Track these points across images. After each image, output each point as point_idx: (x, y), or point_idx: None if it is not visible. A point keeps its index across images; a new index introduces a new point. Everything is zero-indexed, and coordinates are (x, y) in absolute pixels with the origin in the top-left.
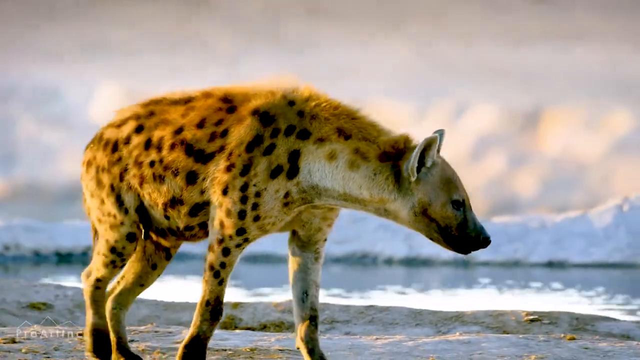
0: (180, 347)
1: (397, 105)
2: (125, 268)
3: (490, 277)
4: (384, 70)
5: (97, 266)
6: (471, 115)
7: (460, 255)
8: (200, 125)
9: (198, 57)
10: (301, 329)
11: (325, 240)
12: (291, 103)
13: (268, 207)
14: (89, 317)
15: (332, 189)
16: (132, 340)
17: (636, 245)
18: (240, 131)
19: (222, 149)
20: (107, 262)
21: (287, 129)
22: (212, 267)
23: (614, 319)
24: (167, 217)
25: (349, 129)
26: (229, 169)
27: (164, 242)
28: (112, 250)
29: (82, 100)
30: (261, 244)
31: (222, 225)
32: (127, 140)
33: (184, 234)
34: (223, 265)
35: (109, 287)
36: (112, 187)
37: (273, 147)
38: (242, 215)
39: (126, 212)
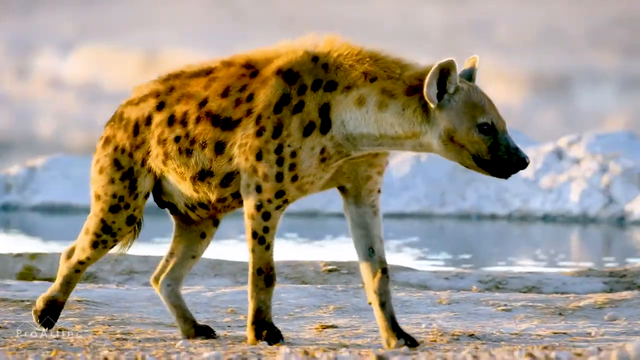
0: (249, 325)
1: (193, 55)
2: (172, 244)
3: (288, 228)
4: (178, 20)
5: (83, 246)
6: None
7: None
8: (225, 94)
9: None
10: (374, 282)
11: (379, 191)
12: (315, 58)
13: (305, 165)
14: (54, 288)
15: (368, 133)
16: None
17: (433, 196)
18: (267, 92)
19: (249, 113)
20: (96, 242)
21: (313, 83)
22: (255, 234)
23: (412, 269)
24: (196, 191)
25: (373, 71)
26: (259, 133)
27: (195, 217)
28: (107, 229)
29: None
30: (57, 195)
31: (259, 189)
32: (149, 120)
33: (217, 207)
34: (266, 229)
35: (158, 268)
36: (130, 171)
37: (302, 104)
38: (279, 177)
39: (135, 197)
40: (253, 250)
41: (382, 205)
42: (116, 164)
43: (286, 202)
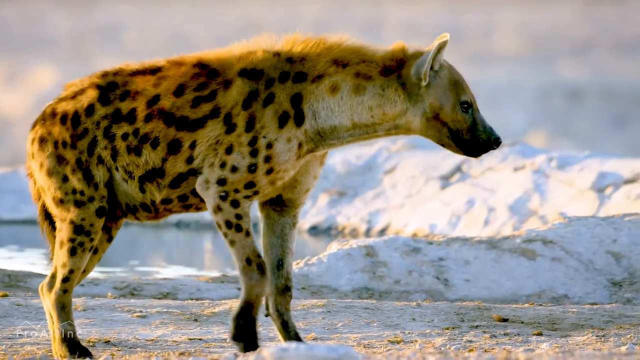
0: (232, 320)
1: None
2: None
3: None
4: None
5: (62, 262)
6: None
7: None
8: (179, 92)
9: None
10: (275, 299)
11: (303, 204)
12: (276, 54)
13: (282, 158)
14: (58, 325)
15: (340, 124)
16: None
17: None
18: (232, 93)
19: (215, 113)
20: (73, 247)
21: (280, 76)
22: (229, 224)
23: (45, 275)
24: (142, 191)
25: (343, 56)
26: (230, 130)
27: (132, 220)
28: (79, 230)
29: None
30: None
31: (222, 182)
32: (90, 111)
33: (159, 209)
34: (239, 216)
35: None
36: (78, 162)
37: (272, 95)
38: (252, 168)
39: (96, 187)
40: (233, 242)
41: (15, 212)
42: (61, 160)
43: (257, 193)
